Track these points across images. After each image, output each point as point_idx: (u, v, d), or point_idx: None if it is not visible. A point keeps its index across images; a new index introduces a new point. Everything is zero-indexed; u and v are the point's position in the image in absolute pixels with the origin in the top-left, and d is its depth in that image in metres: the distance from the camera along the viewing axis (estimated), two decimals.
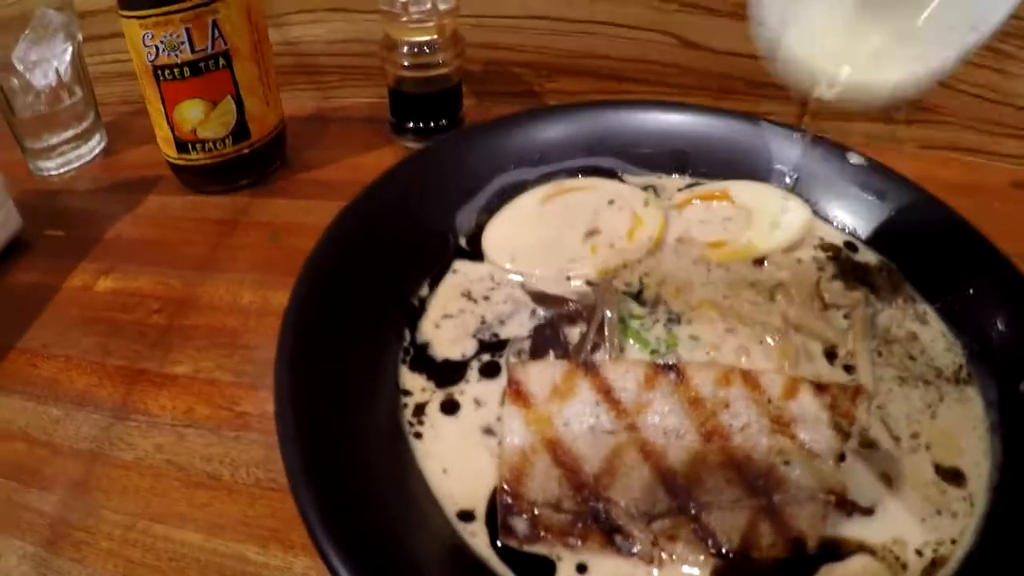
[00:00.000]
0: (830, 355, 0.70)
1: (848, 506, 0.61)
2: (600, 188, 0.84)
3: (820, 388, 0.66)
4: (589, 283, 0.73)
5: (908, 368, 0.70)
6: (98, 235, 0.89)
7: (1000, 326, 0.69)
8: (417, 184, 0.78)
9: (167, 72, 0.83)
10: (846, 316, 0.74)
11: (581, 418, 0.61)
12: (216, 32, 0.83)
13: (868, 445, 0.65)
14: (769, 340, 0.70)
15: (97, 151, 1.04)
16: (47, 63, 0.94)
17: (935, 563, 0.57)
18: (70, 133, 1.00)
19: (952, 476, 0.63)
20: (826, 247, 0.80)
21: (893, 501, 0.61)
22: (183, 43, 0.82)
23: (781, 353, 0.69)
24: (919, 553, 0.58)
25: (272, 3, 1.04)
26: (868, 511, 0.61)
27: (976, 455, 0.65)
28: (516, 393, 0.62)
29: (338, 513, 0.51)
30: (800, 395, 0.65)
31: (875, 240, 0.81)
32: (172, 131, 0.88)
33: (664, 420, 0.63)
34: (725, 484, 0.61)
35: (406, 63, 0.96)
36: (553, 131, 0.86)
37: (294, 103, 1.10)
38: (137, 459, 0.63)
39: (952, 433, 0.66)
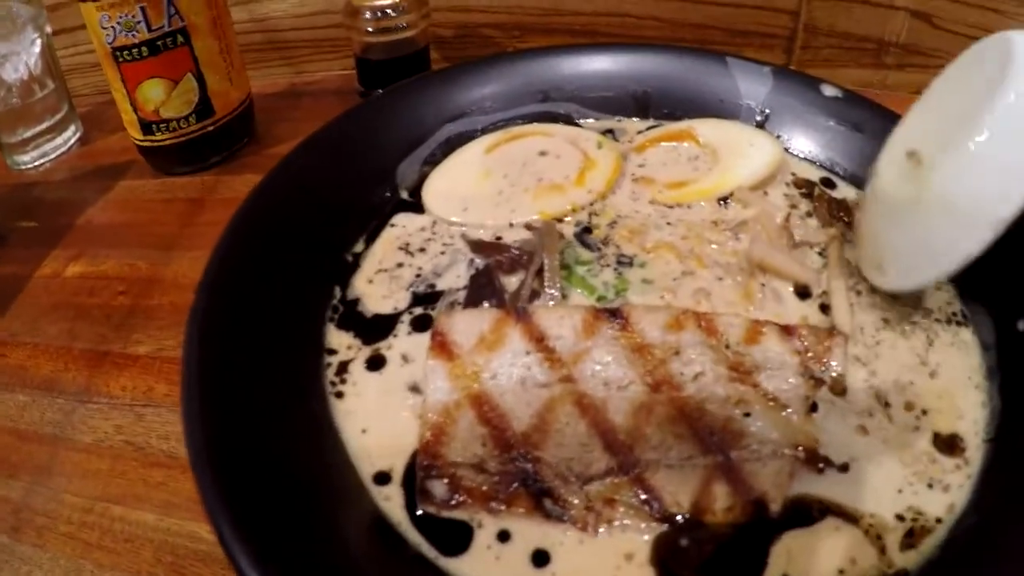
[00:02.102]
0: (803, 295, 0.60)
1: (819, 462, 0.51)
2: (551, 133, 0.74)
3: (787, 331, 0.56)
4: (529, 227, 0.64)
5: (893, 309, 0.59)
6: (70, 223, 0.84)
7: (995, 262, 0.56)
8: (357, 137, 0.69)
9: (126, 53, 0.77)
10: (821, 254, 0.63)
11: (510, 370, 0.52)
12: (172, 9, 0.76)
13: (842, 393, 0.54)
14: (730, 281, 0.59)
15: (73, 142, 0.97)
16: (17, 57, 0.88)
17: (913, 532, 0.47)
18: (44, 125, 0.94)
19: (948, 444, 0.52)
20: (800, 183, 0.69)
21: (872, 458, 0.51)
22: (139, 22, 0.75)
23: (744, 294, 0.58)
24: (900, 518, 0.48)
25: None
26: (843, 468, 0.50)
27: (973, 411, 0.54)
28: (440, 345, 0.53)
29: (235, 487, 0.43)
30: (764, 339, 0.55)
31: (855, 175, 0.70)
32: (136, 113, 0.81)
33: (605, 370, 0.53)
34: (674, 440, 0.51)
35: (370, 28, 0.87)
36: (505, 79, 0.77)
37: (266, 80, 1.03)
38: (97, 441, 0.60)
39: (949, 392, 0.55)
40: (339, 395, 0.53)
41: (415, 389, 0.53)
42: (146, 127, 0.82)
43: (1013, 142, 0.50)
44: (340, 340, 0.57)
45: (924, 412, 0.53)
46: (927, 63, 0.98)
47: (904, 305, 0.59)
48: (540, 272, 0.57)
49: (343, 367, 0.55)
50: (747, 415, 0.51)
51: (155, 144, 0.84)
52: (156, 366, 0.65)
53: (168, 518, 0.54)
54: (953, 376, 0.55)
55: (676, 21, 0.97)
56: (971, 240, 0.52)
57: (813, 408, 0.52)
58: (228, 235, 0.58)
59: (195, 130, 0.84)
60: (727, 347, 0.54)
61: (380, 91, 0.75)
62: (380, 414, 0.52)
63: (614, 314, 0.54)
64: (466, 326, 0.53)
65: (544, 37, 0.99)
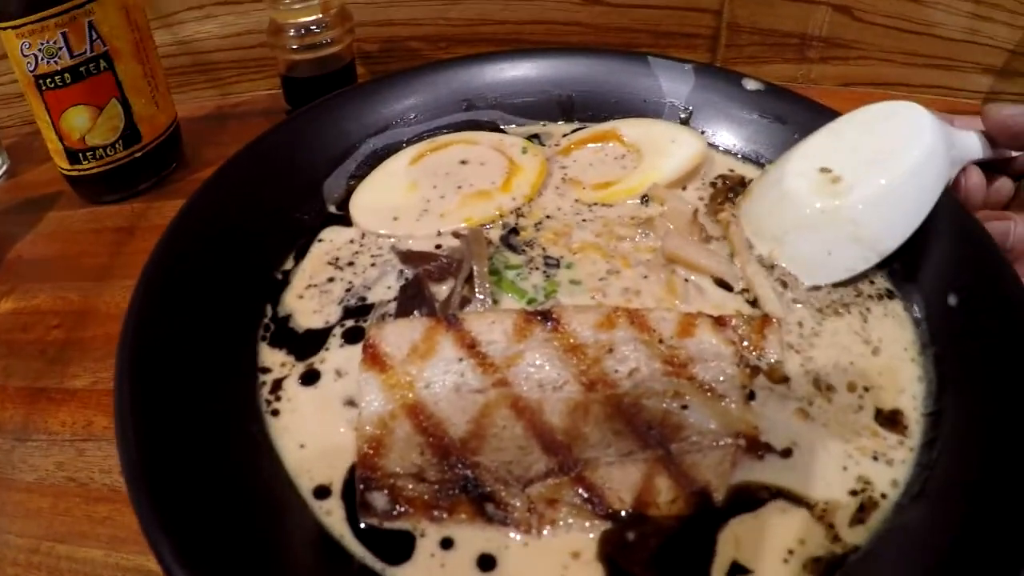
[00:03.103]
0: (725, 287, 0.60)
1: (760, 448, 0.51)
2: (476, 141, 0.73)
3: (720, 322, 0.56)
4: (456, 235, 0.62)
5: (821, 294, 0.60)
6: None
7: (921, 240, 0.59)
8: (281, 154, 0.67)
9: (48, 81, 0.74)
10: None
11: (444, 377, 0.51)
12: (94, 34, 0.74)
13: (781, 380, 0.54)
14: (655, 278, 0.59)
15: (0, 174, 0.94)
16: None
17: (864, 507, 0.47)
18: None
19: (890, 419, 0.53)
20: (727, 178, 0.70)
21: (814, 440, 0.51)
22: (61, 48, 0.72)
23: (668, 290, 0.58)
24: (855, 493, 0.48)
25: (159, 2, 0.94)
26: (785, 452, 0.50)
27: (911, 386, 0.55)
28: (372, 356, 0.52)
29: (174, 514, 0.42)
30: (698, 332, 0.55)
31: None
32: (61, 142, 0.79)
33: (538, 372, 0.52)
34: (613, 436, 0.50)
35: (295, 45, 0.86)
36: (427, 89, 0.76)
37: (193, 103, 1.01)
38: (39, 479, 0.58)
39: (891, 368, 0.56)
40: (275, 413, 0.52)
41: (351, 403, 0.52)
42: (72, 156, 0.80)
43: (911, 191, 0.59)
44: (273, 358, 0.55)
45: (867, 390, 0.54)
46: (848, 55, 1.00)
47: (831, 290, 0.60)
48: (469, 279, 0.56)
49: (277, 384, 0.53)
50: (684, 408, 0.51)
51: (82, 173, 0.82)
52: (94, 399, 0.63)
53: (116, 553, 0.52)
54: (893, 352, 0.56)
55: (600, 26, 0.97)
56: (863, 260, 0.60)
57: (751, 396, 0.53)
58: (153, 261, 0.55)
59: (122, 157, 0.82)
60: (661, 342, 0.54)
61: (299, 110, 0.73)
62: (317, 429, 0.51)
63: (545, 316, 0.53)
64: (397, 336, 0.52)
65: (470, 47, 0.98)
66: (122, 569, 0.51)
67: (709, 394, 0.51)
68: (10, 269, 0.79)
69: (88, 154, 0.80)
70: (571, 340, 0.52)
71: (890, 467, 0.49)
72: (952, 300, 0.57)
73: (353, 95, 0.73)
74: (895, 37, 0.97)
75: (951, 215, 0.59)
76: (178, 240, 0.58)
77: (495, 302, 0.56)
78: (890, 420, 0.53)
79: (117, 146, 0.81)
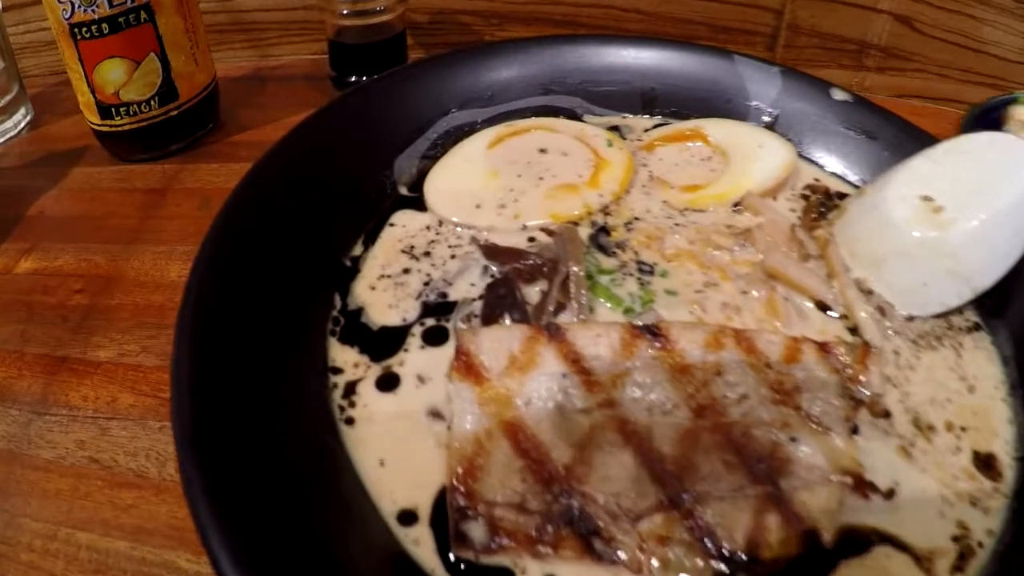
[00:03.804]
0: (824, 309, 0.54)
1: (865, 488, 0.45)
2: (556, 128, 0.65)
3: (824, 348, 0.51)
4: (550, 232, 0.55)
5: (916, 324, 0.54)
6: (20, 213, 0.73)
7: (1010, 275, 0.54)
8: (349, 129, 0.59)
9: (84, 30, 0.67)
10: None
11: (546, 394, 0.45)
12: None
13: (883, 415, 0.49)
14: (754, 294, 0.53)
15: (23, 125, 0.85)
16: None
17: (964, 555, 0.42)
18: None
19: (986, 463, 0.48)
20: (814, 189, 0.63)
21: (915, 481, 0.46)
22: None
23: (770, 309, 0.52)
24: (955, 540, 0.43)
25: None
26: (888, 494, 0.45)
27: (1004, 429, 0.50)
28: (466, 366, 0.45)
29: (242, 523, 0.35)
30: (803, 357, 0.50)
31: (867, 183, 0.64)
32: (94, 95, 0.71)
33: (647, 393, 0.46)
34: (724, 469, 0.45)
35: (345, 11, 0.78)
36: (506, 68, 0.68)
37: (229, 63, 0.92)
38: (58, 458, 0.51)
39: (984, 408, 0.51)
40: (349, 421, 0.44)
41: (436, 414, 0.44)
42: (104, 111, 0.72)
43: (1012, 227, 0.55)
44: (345, 356, 0.48)
45: (963, 430, 0.49)
46: (904, 66, 0.95)
47: (924, 321, 0.55)
48: (564, 282, 0.49)
49: (351, 388, 0.46)
50: (793, 440, 0.46)
51: (113, 129, 0.74)
52: (119, 374, 0.56)
53: (142, 546, 0.46)
54: (986, 390, 0.52)
55: (660, 15, 0.90)
56: (956, 295, 0.56)
57: (855, 431, 0.48)
58: (213, 236, 0.48)
59: (157, 115, 0.74)
60: (768, 366, 0.48)
61: (371, 78, 0.65)
62: (398, 443, 0.44)
63: (652, 331, 0.47)
64: (494, 345, 0.45)
65: (524, 26, 0.91)
66: (148, 564, 0.45)
67: (816, 426, 0.46)
68: (32, 226, 0.72)
69: (121, 109, 0.72)
70: (680, 359, 0.46)
71: (986, 515, 0.44)
72: None
73: (428, 68, 0.66)
74: (951, 52, 0.93)
75: None
76: (239, 213, 0.50)
77: (591, 310, 0.50)
78: (986, 464, 0.48)
79: (152, 103, 0.73)
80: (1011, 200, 0.54)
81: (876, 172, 0.64)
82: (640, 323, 0.48)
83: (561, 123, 0.66)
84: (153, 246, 0.67)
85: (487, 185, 0.59)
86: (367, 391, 0.46)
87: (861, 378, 0.49)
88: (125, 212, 0.72)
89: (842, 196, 0.65)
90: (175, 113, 0.75)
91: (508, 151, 0.62)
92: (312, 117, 0.57)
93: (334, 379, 0.47)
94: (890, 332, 0.54)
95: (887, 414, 0.49)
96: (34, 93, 0.89)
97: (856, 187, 0.65)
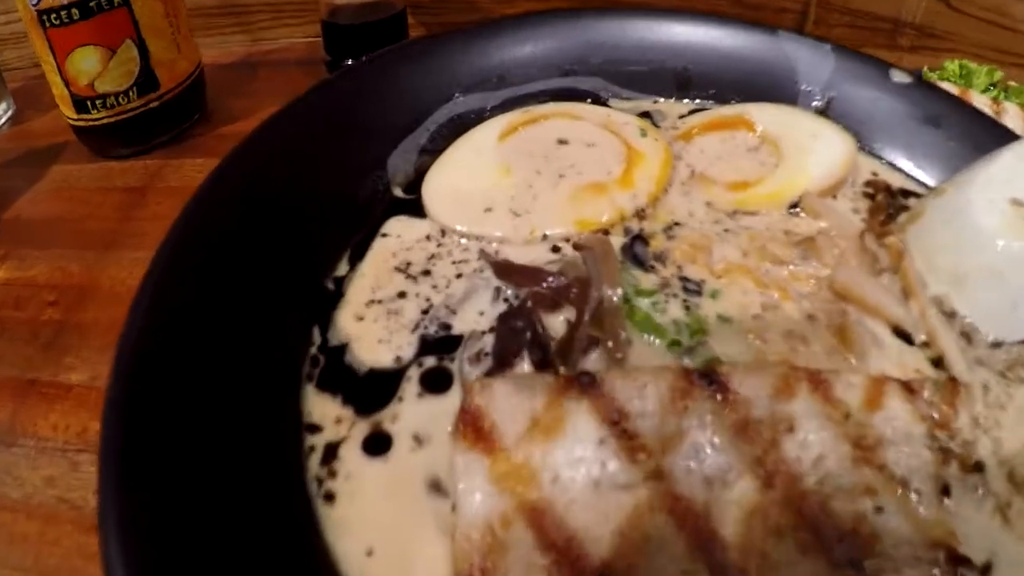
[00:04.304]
0: (903, 337, 0.42)
1: (959, 564, 0.34)
2: (579, 115, 0.51)
3: (910, 389, 0.38)
4: (577, 245, 0.42)
5: (1004, 352, 0.42)
6: None
7: None
8: (333, 121, 0.46)
9: (53, 16, 0.57)
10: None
11: (579, 467, 0.33)
12: None
13: (975, 469, 0.37)
14: (821, 319, 0.40)
15: (3, 120, 0.75)
16: None
17: None
18: None
19: None
20: (878, 187, 0.50)
21: (1014, 551, 0.35)
22: None
23: (842, 338, 0.40)
24: None
25: None
26: (984, 569, 0.34)
27: None
28: (474, 431, 0.33)
29: None
30: (887, 401, 0.37)
31: (931, 175, 0.51)
32: (67, 87, 0.61)
33: (705, 460, 0.34)
34: (798, 554, 0.33)
35: None
36: (519, 46, 0.54)
37: (219, 48, 0.81)
38: (26, 497, 0.44)
39: None
40: (329, 497, 0.33)
41: (437, 487, 0.33)
42: (79, 104, 0.63)
43: None
44: (324, 409, 0.36)
45: None
46: (939, 46, 0.83)
47: (1012, 346, 0.42)
48: (597, 311, 0.36)
49: (331, 452, 0.34)
50: (878, 510, 0.34)
51: (91, 123, 0.64)
52: (91, 399, 0.48)
53: None
54: None
55: None
56: None
57: (945, 491, 0.35)
58: (162, 259, 0.36)
59: (137, 106, 0.64)
60: (848, 417, 0.36)
61: (360, 59, 0.51)
62: (390, 527, 0.32)
63: (710, 379, 0.34)
64: (510, 402, 0.33)
65: (535, 1, 0.76)
66: None
67: (902, 490, 0.34)
68: (7, 230, 0.63)
69: (97, 102, 0.63)
70: (743, 414, 0.34)
71: None
72: None
73: (426, 47, 0.52)
74: (987, 31, 0.81)
75: None
76: (196, 230, 0.38)
77: (629, 344, 0.37)
78: None
79: (131, 94, 0.63)
80: None
81: (942, 164, 0.52)
82: (693, 366, 0.35)
83: (585, 108, 0.52)
84: (131, 251, 0.58)
85: (498, 184, 0.46)
86: (351, 456, 0.34)
87: (951, 424, 0.37)
88: (103, 213, 0.63)
89: (907, 194, 0.52)
90: (156, 104, 0.65)
91: (523, 143, 0.49)
92: (288, 108, 0.44)
93: (311, 440, 0.35)
94: (976, 363, 0.42)
95: (979, 467, 0.38)
96: (16, 87, 0.79)
97: (921, 182, 0.52)
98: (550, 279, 0.39)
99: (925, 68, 0.76)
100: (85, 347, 0.52)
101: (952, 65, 0.76)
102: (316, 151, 0.44)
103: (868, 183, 0.51)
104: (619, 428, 0.33)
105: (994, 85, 0.76)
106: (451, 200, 0.45)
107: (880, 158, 0.53)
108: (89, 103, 0.62)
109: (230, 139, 0.69)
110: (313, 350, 0.38)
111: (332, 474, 0.33)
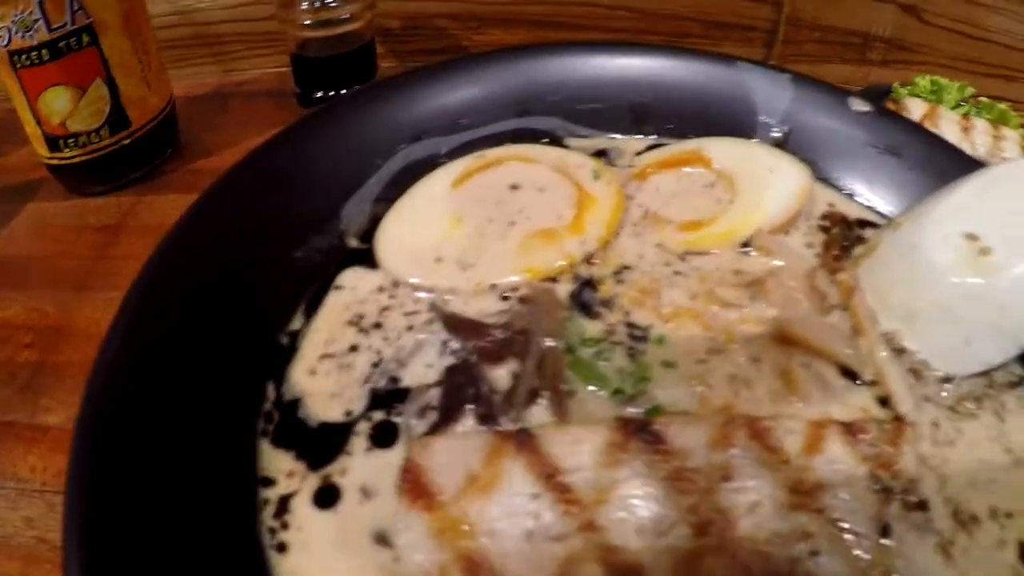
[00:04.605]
0: (850, 376, 0.44)
1: None
2: (533, 158, 0.53)
3: (852, 431, 0.40)
4: (522, 299, 0.44)
5: (953, 386, 0.45)
6: None
7: None
8: (288, 173, 0.48)
9: (24, 57, 0.59)
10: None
11: (514, 520, 0.35)
12: (75, 3, 0.59)
13: (918, 507, 0.39)
14: (766, 362, 0.42)
15: None
16: None
17: None
18: None
19: None
20: (835, 219, 0.52)
21: None
22: (37, 20, 0.58)
23: (786, 381, 0.42)
24: None
25: None
26: None
27: None
28: (414, 488, 0.35)
29: None
30: (827, 446, 0.39)
31: (892, 207, 0.53)
32: (40, 126, 0.64)
33: (637, 511, 0.36)
34: None
35: (308, 20, 0.69)
36: (472, 87, 0.56)
37: (192, 79, 0.83)
38: (6, 537, 0.46)
39: None
40: (281, 548, 0.35)
41: (383, 539, 0.35)
42: (52, 143, 0.65)
43: None
44: (278, 464, 0.38)
45: (1009, 516, 0.40)
46: (911, 59, 0.85)
47: (961, 381, 0.45)
48: (541, 363, 0.39)
49: (284, 505, 0.37)
50: (814, 554, 0.36)
51: (64, 162, 0.67)
52: (68, 441, 0.47)
53: None
54: None
55: (650, 11, 0.81)
56: (1002, 352, 0.46)
57: (885, 531, 0.37)
58: (121, 320, 0.39)
59: (109, 144, 0.67)
60: (786, 462, 0.38)
61: (317, 106, 0.54)
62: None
63: (645, 430, 0.37)
64: (449, 459, 0.35)
65: (503, 28, 0.81)
66: None
67: (839, 533, 0.36)
68: None
69: (70, 141, 0.65)
70: (679, 464, 0.36)
71: None
72: None
73: (378, 92, 0.54)
74: (959, 43, 0.83)
75: None
76: (156, 288, 0.40)
77: (571, 395, 0.39)
78: None
79: (102, 132, 0.66)
80: None
81: (902, 194, 0.54)
82: (635, 415, 0.37)
83: (540, 150, 0.54)
84: (105, 292, 0.60)
85: (450, 234, 0.48)
86: (302, 508, 0.37)
87: (894, 464, 0.39)
88: (78, 252, 0.65)
89: (865, 224, 0.54)
90: (128, 142, 0.68)
91: (476, 189, 0.51)
92: (242, 163, 0.46)
93: (265, 493, 0.37)
94: (925, 400, 0.45)
95: (923, 505, 0.40)
96: None
97: (880, 213, 0.54)
98: (495, 332, 0.41)
99: (896, 84, 0.77)
100: (61, 388, 0.54)
101: (923, 81, 0.78)
102: (270, 207, 0.46)
103: (824, 215, 0.53)
104: (554, 482, 0.35)
105: (965, 100, 0.78)
106: (403, 251, 0.47)
107: (839, 188, 0.55)
108: (61, 142, 0.65)
109: (203, 174, 0.71)
110: (267, 406, 0.40)
111: (284, 526, 0.36)
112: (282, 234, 0.46)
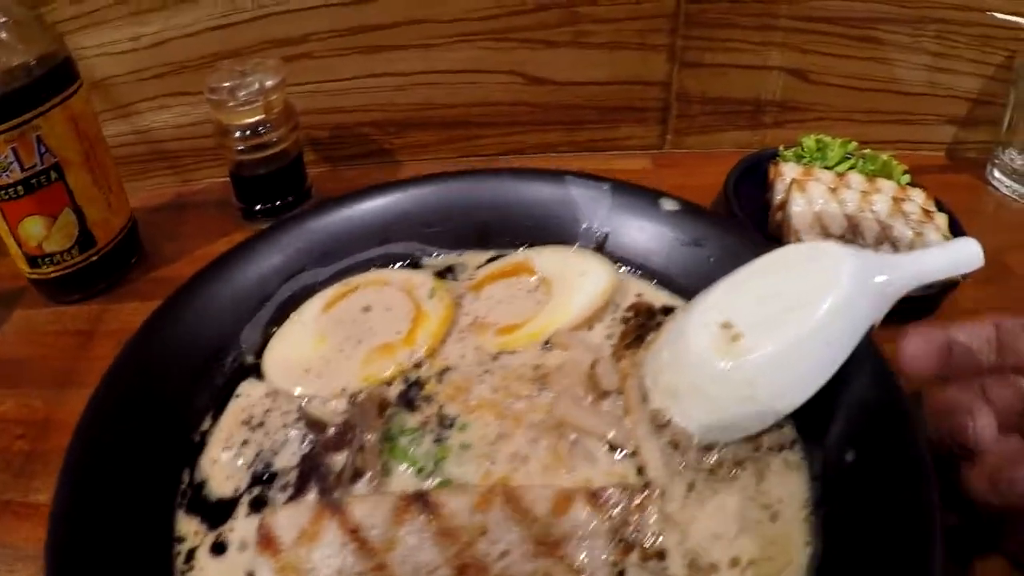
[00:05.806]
0: (615, 448, 0.62)
1: None
2: (386, 281, 0.76)
3: (596, 496, 0.59)
4: (358, 402, 0.67)
5: (717, 452, 0.61)
6: None
7: (833, 388, 0.58)
8: (199, 308, 0.71)
9: (3, 193, 0.80)
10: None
11: (329, 561, 0.56)
12: (42, 147, 0.79)
13: (655, 556, 0.55)
14: (545, 442, 0.62)
15: None
16: None
17: None
18: None
19: None
20: (639, 309, 0.72)
21: None
22: (12, 163, 0.78)
23: (555, 457, 0.62)
24: None
25: (114, 94, 0.99)
26: None
27: (799, 554, 0.55)
28: (265, 540, 0.58)
29: None
30: (573, 508, 0.58)
31: (695, 291, 0.68)
32: (20, 248, 0.85)
33: (415, 556, 0.57)
34: None
35: (241, 147, 0.91)
36: (337, 224, 0.78)
37: (154, 190, 1.06)
38: None
39: (785, 535, 0.55)
40: None
41: None
42: (32, 261, 0.86)
43: (817, 348, 0.57)
44: (188, 526, 0.61)
45: (751, 563, 0.54)
46: (804, 117, 1.01)
47: (727, 447, 0.61)
48: (362, 449, 0.61)
49: (190, 554, 0.59)
50: None
51: (42, 276, 0.88)
52: None
53: None
54: (790, 514, 0.57)
55: (547, 104, 1.00)
56: (759, 420, 0.60)
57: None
58: (80, 432, 0.61)
59: (79, 261, 0.88)
60: (535, 521, 0.58)
61: (220, 256, 0.76)
62: None
63: (420, 499, 0.58)
64: (288, 521, 0.58)
65: (421, 131, 1.03)
66: None
67: (579, 574, 0.55)
68: None
69: (46, 259, 0.86)
70: (446, 523, 0.57)
71: None
72: (849, 456, 0.57)
73: (261, 240, 0.76)
74: (852, 96, 0.98)
75: (865, 361, 0.59)
76: (103, 402, 0.64)
77: (386, 473, 0.62)
78: None
79: (73, 252, 0.87)
80: (816, 320, 0.56)
81: (704, 281, 0.67)
82: (430, 487, 0.59)
83: (392, 275, 0.76)
84: (83, 388, 0.70)
85: (316, 350, 0.71)
86: (203, 557, 0.59)
87: (635, 521, 0.56)
88: (59, 354, 0.84)
89: (669, 311, 0.72)
90: (96, 258, 0.89)
91: (338, 312, 0.73)
92: (165, 304, 0.70)
93: (178, 547, 0.60)
94: (683, 466, 0.60)
95: (661, 555, 0.55)
96: None
97: (685, 299, 0.72)
98: (336, 428, 0.64)
99: (781, 147, 0.93)
100: (49, 472, 0.64)
101: (809, 140, 0.93)
102: (188, 336, 0.69)
103: (631, 306, 0.73)
104: (356, 535, 0.57)
105: (851, 155, 0.93)
106: (282, 364, 0.70)
107: (651, 279, 0.74)
108: (40, 260, 0.85)
109: (161, 283, 0.90)
110: (183, 486, 0.63)
111: (190, 569, 0.58)
112: (197, 360, 0.69)
